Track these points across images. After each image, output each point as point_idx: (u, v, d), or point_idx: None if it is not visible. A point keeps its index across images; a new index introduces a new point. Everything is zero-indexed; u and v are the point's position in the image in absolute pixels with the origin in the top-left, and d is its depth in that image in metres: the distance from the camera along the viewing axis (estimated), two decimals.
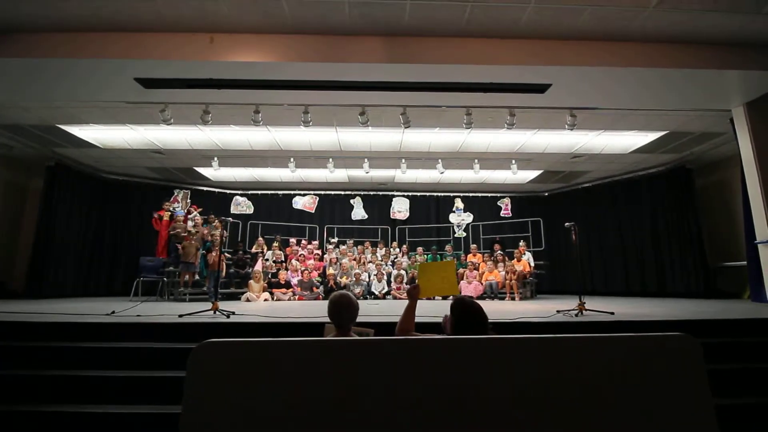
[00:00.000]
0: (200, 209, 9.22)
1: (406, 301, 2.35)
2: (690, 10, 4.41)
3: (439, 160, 8.63)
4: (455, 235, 11.01)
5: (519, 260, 8.62)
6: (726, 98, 5.76)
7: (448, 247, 10.06)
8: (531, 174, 10.00)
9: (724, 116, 6.29)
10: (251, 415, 1.13)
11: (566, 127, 6.23)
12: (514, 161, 8.64)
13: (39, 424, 2.71)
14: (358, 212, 11.20)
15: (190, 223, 8.26)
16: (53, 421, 2.71)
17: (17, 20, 4.57)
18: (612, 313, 4.43)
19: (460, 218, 11.10)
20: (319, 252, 9.72)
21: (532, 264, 8.81)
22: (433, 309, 5.35)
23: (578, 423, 1.19)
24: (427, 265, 2.82)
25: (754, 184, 5.67)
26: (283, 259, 8.98)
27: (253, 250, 9.28)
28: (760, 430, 2.77)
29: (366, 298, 8.34)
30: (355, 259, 9.45)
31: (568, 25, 4.70)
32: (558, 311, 4.71)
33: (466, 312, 1.97)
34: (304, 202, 11.05)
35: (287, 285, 8.23)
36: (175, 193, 10.00)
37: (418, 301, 2.39)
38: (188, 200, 10.07)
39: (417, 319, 4.01)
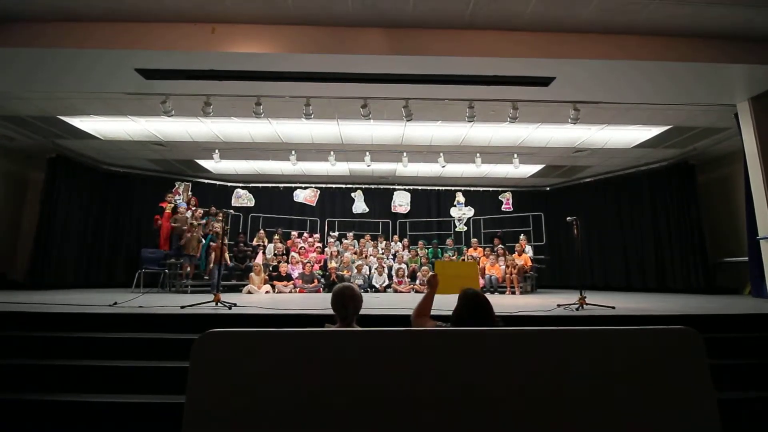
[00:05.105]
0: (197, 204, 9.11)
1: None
2: (696, 3, 4.36)
3: (441, 154, 8.59)
4: (456, 229, 10.99)
5: (520, 255, 8.62)
6: (731, 93, 5.72)
7: (449, 241, 10.05)
8: (533, 168, 9.97)
9: (728, 111, 6.25)
10: (254, 403, 1.13)
11: (569, 121, 6.19)
12: (516, 155, 8.60)
13: (42, 412, 2.73)
14: (359, 205, 11.18)
15: (188, 214, 8.24)
16: (56, 409, 2.73)
17: (17, 9, 4.53)
18: (613, 308, 4.43)
19: (461, 212, 11.08)
20: (321, 245, 9.73)
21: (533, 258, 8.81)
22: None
23: (580, 414, 1.19)
24: (447, 264, 2.79)
25: (758, 179, 5.64)
26: (284, 251, 8.99)
27: (254, 242, 9.29)
28: (761, 424, 2.78)
29: (367, 291, 8.35)
30: (355, 252, 9.46)
31: (573, 17, 4.65)
32: (559, 305, 4.72)
33: (469, 303, 1.96)
34: (305, 195, 11.03)
35: (288, 278, 8.24)
36: (176, 185, 9.98)
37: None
38: (189, 192, 10.04)
39: None
